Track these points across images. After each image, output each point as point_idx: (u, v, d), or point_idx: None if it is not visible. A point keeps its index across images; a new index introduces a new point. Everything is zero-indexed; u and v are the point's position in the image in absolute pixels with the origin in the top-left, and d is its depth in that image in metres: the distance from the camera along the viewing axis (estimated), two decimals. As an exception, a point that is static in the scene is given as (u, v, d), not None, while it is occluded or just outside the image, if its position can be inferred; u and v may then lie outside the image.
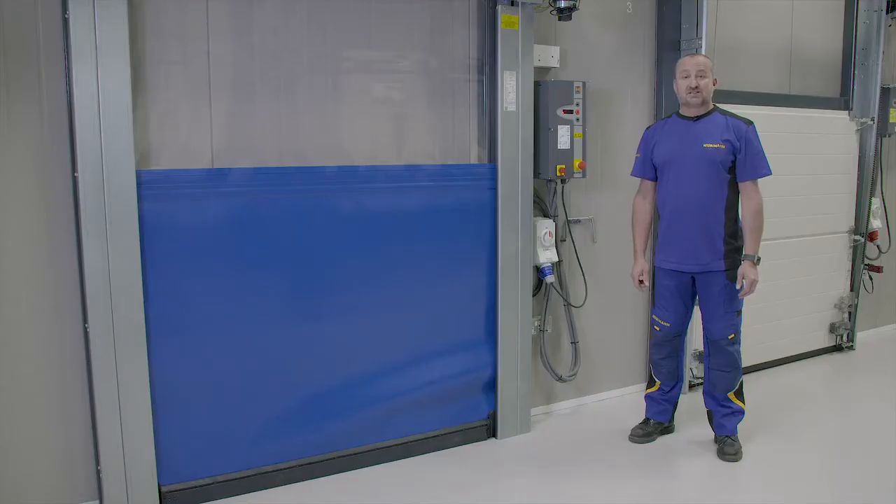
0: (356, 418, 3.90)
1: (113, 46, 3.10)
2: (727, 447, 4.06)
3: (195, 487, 3.52)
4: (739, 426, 4.13)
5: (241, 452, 3.63)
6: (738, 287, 3.89)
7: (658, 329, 4.21)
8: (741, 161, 3.86)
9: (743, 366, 4.11)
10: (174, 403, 3.43)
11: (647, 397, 4.37)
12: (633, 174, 4.20)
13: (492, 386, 4.28)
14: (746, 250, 3.88)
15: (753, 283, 3.86)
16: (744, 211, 3.90)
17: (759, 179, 3.90)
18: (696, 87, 3.87)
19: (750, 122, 3.91)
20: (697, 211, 3.93)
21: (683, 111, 4.01)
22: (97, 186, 3.12)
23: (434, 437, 4.14)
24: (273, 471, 3.70)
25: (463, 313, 4.18)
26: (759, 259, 3.88)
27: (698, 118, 3.95)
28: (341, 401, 3.86)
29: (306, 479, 3.79)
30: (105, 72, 3.09)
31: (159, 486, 3.40)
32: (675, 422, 4.40)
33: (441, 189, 4.02)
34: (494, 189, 4.13)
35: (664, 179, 4.06)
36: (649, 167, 4.11)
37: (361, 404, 3.91)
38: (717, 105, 4.01)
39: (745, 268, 3.86)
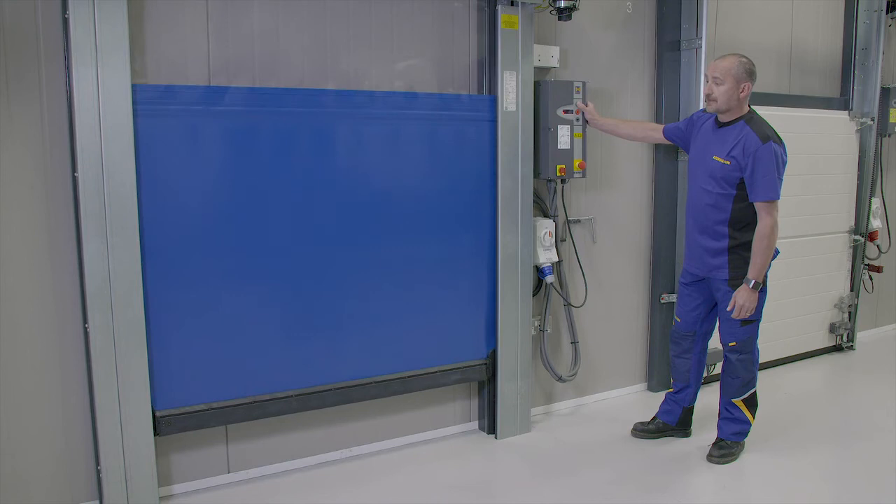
0: (354, 351, 3.86)
1: (113, 46, 3.09)
2: (715, 449, 4.06)
3: (190, 413, 3.47)
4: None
5: (237, 380, 3.58)
6: (728, 309, 3.85)
7: (674, 323, 4.25)
8: (747, 180, 3.72)
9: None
10: (169, 327, 3.38)
11: (666, 394, 4.40)
12: (665, 125, 4.33)
13: (492, 325, 4.23)
14: (748, 273, 3.78)
15: (741, 309, 3.78)
16: (755, 231, 3.78)
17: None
18: (709, 94, 3.79)
19: (767, 140, 3.68)
20: (702, 220, 3.93)
21: (718, 115, 3.90)
22: (97, 186, 3.12)
23: (432, 373, 4.09)
24: (268, 399, 3.65)
25: (463, 245, 4.13)
26: (757, 285, 3.76)
27: (723, 125, 3.86)
28: (339, 332, 3.82)
29: (302, 411, 3.77)
30: (105, 71, 3.09)
31: (153, 410, 3.36)
32: (693, 427, 4.37)
33: (439, 118, 3.96)
34: (494, 121, 4.09)
35: (688, 180, 4.08)
36: (677, 132, 4.18)
37: (359, 337, 3.87)
38: (754, 112, 3.85)
39: (738, 290, 3.80)
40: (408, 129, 3.89)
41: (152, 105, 3.23)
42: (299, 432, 3.90)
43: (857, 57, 5.89)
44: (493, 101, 4.07)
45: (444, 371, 4.12)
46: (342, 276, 3.79)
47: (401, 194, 3.91)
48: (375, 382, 3.93)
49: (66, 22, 3.05)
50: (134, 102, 3.17)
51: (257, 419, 3.69)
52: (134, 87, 3.17)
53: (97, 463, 3.31)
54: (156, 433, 3.38)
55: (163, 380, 3.39)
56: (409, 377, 4.02)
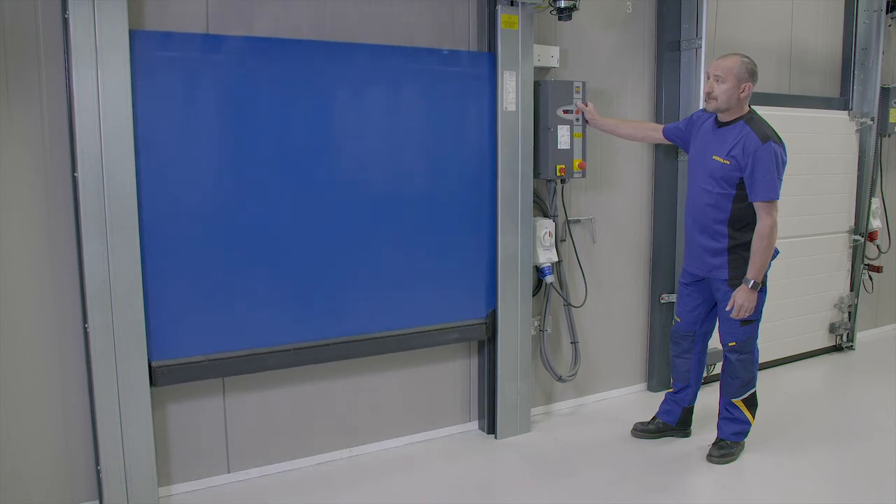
0: (353, 307, 3.84)
1: (113, 46, 3.09)
2: (714, 449, 4.07)
3: (186, 364, 3.44)
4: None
5: (235, 333, 3.55)
6: (727, 309, 3.86)
7: (674, 323, 4.26)
8: (746, 180, 3.72)
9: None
10: (166, 276, 3.35)
11: (666, 394, 4.40)
12: (665, 125, 4.33)
13: (492, 286, 4.21)
14: (747, 273, 3.78)
15: (741, 309, 3.78)
16: (755, 231, 3.78)
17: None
18: (710, 93, 3.79)
19: (767, 140, 3.68)
20: (701, 220, 3.93)
21: (718, 114, 3.91)
22: (97, 186, 3.12)
23: (432, 331, 4.07)
24: (266, 353, 3.63)
25: (464, 203, 4.10)
26: (756, 285, 3.76)
27: (722, 125, 3.86)
28: (338, 289, 3.79)
29: (300, 365, 3.76)
30: (105, 72, 3.09)
31: (149, 361, 3.33)
32: (693, 428, 4.37)
33: (439, 73, 3.95)
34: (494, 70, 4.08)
35: (688, 179, 4.09)
36: (677, 132, 4.19)
37: (358, 293, 3.84)
38: (754, 112, 3.85)
39: (738, 290, 3.80)
40: (407, 84, 3.86)
41: (150, 52, 3.21)
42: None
43: (856, 57, 5.89)
44: (493, 58, 4.06)
45: (443, 329, 4.10)
46: (341, 233, 3.76)
47: (402, 151, 3.88)
48: (374, 338, 3.90)
49: (65, 22, 3.05)
50: (132, 50, 3.15)
51: (255, 372, 3.66)
52: (132, 32, 3.16)
53: (97, 463, 3.31)
54: (152, 384, 3.34)
55: (159, 330, 3.35)
56: (408, 334, 4.00)
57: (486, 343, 4.30)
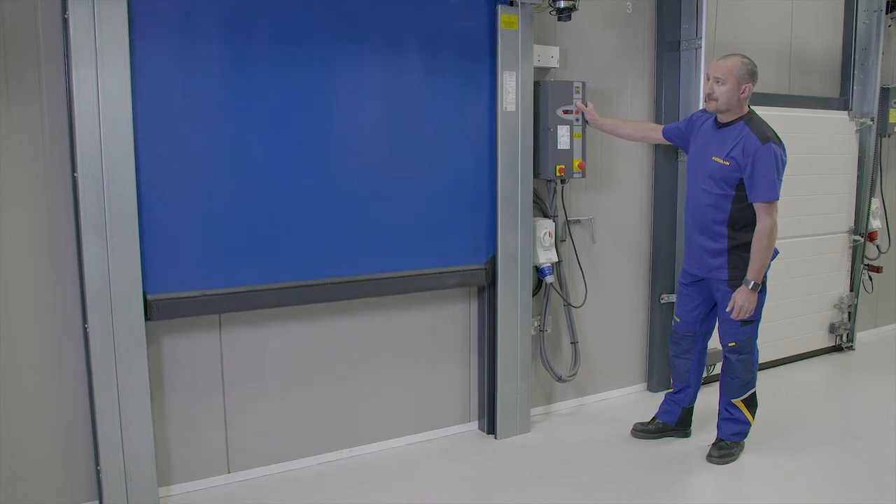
0: (352, 247, 3.80)
1: (113, 47, 3.09)
2: (714, 449, 4.07)
3: (182, 299, 3.40)
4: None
5: (232, 270, 3.51)
6: (727, 310, 3.86)
7: (674, 324, 4.26)
8: (746, 181, 3.72)
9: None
10: (162, 208, 3.31)
11: (665, 395, 4.40)
12: (665, 126, 4.34)
13: (492, 232, 4.18)
14: (747, 273, 3.78)
15: (741, 310, 3.79)
16: (755, 232, 3.78)
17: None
18: (710, 94, 3.79)
19: (767, 140, 3.69)
20: (701, 221, 3.93)
21: (718, 115, 3.90)
22: (97, 187, 3.12)
23: (431, 274, 4.04)
24: (264, 290, 3.58)
25: (464, 144, 4.07)
26: (757, 285, 3.76)
27: (722, 126, 3.86)
28: (337, 228, 3.75)
29: (297, 304, 3.74)
30: (105, 72, 3.09)
31: (144, 294, 3.28)
32: (693, 428, 4.37)
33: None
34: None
35: (687, 180, 4.09)
36: (677, 132, 4.20)
37: (358, 234, 3.81)
38: (754, 113, 3.86)
39: (738, 290, 3.81)
40: (407, 19, 3.84)
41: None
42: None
43: (856, 57, 5.89)
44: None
45: (443, 273, 4.06)
46: (341, 172, 3.73)
47: (402, 91, 3.85)
48: (373, 279, 3.87)
49: (65, 22, 3.05)
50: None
51: (252, 309, 3.63)
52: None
53: (97, 463, 3.31)
54: (147, 318, 3.30)
55: (155, 263, 3.31)
56: (407, 276, 3.97)
57: (487, 289, 4.27)
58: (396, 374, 4.17)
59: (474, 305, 4.36)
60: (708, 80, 3.83)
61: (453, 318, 4.32)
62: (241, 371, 3.72)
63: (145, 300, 3.29)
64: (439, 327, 4.28)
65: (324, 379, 3.95)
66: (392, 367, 4.15)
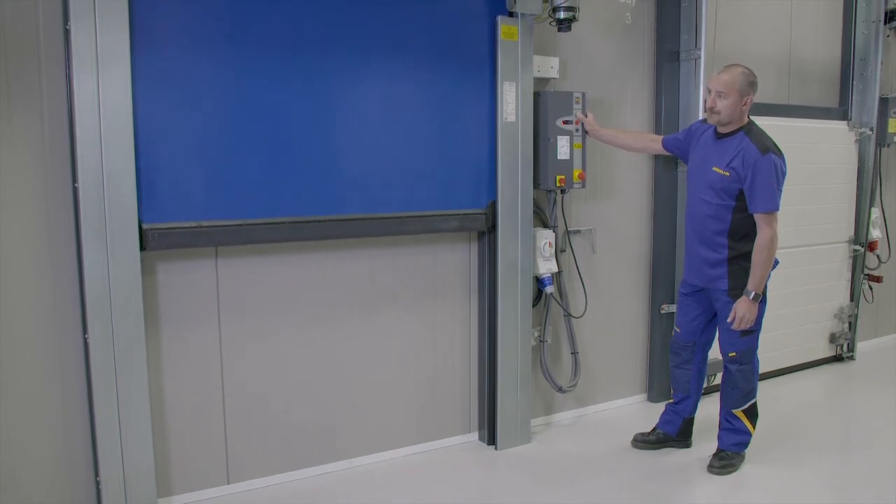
0: (351, 186, 3.78)
1: (114, 57, 3.10)
2: (715, 460, 4.06)
3: (178, 230, 3.36)
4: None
5: (229, 202, 3.48)
6: (728, 320, 3.86)
7: (674, 334, 4.25)
8: (746, 192, 3.72)
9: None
10: (159, 136, 3.28)
11: (666, 405, 4.39)
12: (664, 137, 4.35)
13: (492, 177, 4.16)
14: (747, 284, 3.79)
15: (741, 320, 3.78)
16: (755, 242, 3.78)
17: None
18: (713, 108, 3.80)
19: (767, 151, 3.69)
20: (701, 231, 3.93)
21: (718, 126, 3.90)
22: (97, 196, 3.12)
23: (431, 216, 4.01)
24: (261, 224, 3.55)
25: (465, 90, 4.04)
26: (757, 296, 3.77)
27: (722, 136, 3.87)
28: (336, 166, 3.73)
29: (295, 240, 3.71)
30: (106, 82, 3.09)
31: (140, 223, 3.25)
32: (693, 438, 4.36)
33: None
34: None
35: (687, 190, 4.10)
36: (676, 143, 4.20)
37: (358, 173, 3.79)
38: (753, 123, 3.87)
39: (738, 301, 3.81)
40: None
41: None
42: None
43: (855, 67, 5.91)
44: None
45: (443, 216, 4.04)
46: (340, 111, 3.71)
47: (403, 33, 3.84)
48: (372, 219, 3.85)
49: (67, 32, 3.06)
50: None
51: (248, 243, 3.59)
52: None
53: (96, 474, 3.30)
54: (142, 247, 3.27)
55: (151, 192, 3.28)
56: (407, 217, 3.94)
57: (487, 233, 4.24)
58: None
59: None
60: (709, 93, 3.84)
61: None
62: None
63: (140, 229, 3.26)
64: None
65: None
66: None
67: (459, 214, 4.10)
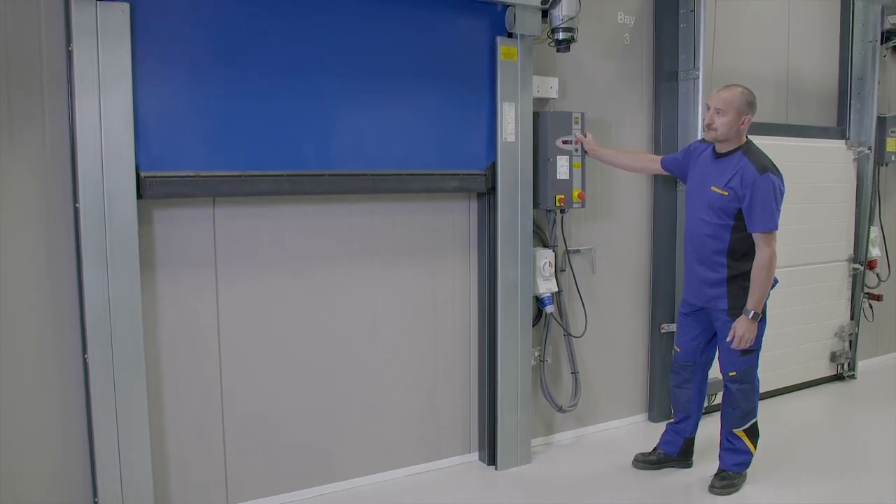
0: (351, 141, 3.76)
1: (115, 78, 3.12)
2: (716, 480, 4.04)
3: (176, 178, 3.33)
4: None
5: (227, 153, 3.45)
6: (728, 339, 3.86)
7: (674, 353, 4.25)
8: (745, 211, 3.73)
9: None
10: (157, 86, 3.26)
11: (667, 425, 4.38)
12: (663, 157, 4.35)
13: (491, 139, 4.14)
14: (747, 303, 3.79)
15: (741, 340, 3.79)
16: (754, 261, 3.79)
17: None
18: (710, 125, 3.82)
19: (765, 171, 3.71)
20: (701, 250, 3.93)
21: (716, 145, 3.93)
22: (98, 217, 3.13)
23: (431, 175, 3.99)
24: (259, 176, 3.52)
25: (465, 48, 4.04)
26: (757, 315, 3.77)
27: (721, 156, 3.88)
28: (336, 122, 3.72)
29: (294, 193, 3.69)
30: (107, 103, 3.11)
31: (137, 169, 3.21)
32: (694, 458, 4.34)
33: None
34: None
35: (686, 210, 4.10)
36: (675, 163, 4.21)
37: (358, 129, 3.77)
38: (752, 143, 3.88)
39: (738, 320, 3.81)
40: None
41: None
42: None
43: (852, 87, 5.95)
44: None
45: (443, 175, 4.02)
46: (341, 68, 3.70)
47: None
48: (371, 175, 3.82)
49: (69, 54, 3.09)
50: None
51: (247, 195, 3.57)
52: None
53: (94, 494, 3.29)
54: (139, 196, 3.23)
55: (149, 140, 3.25)
56: (406, 175, 3.92)
57: (487, 194, 4.22)
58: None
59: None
60: (708, 109, 3.86)
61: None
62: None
63: (138, 177, 3.23)
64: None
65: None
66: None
67: (460, 175, 4.08)
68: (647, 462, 4.31)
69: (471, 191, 4.19)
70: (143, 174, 3.24)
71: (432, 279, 4.21)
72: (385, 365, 4.10)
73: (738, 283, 3.85)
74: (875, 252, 6.15)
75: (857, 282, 6.07)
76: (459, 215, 4.28)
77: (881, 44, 5.86)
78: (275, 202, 3.73)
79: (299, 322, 3.83)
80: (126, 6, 3.12)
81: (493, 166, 4.16)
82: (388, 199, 4.04)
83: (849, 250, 6.01)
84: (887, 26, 5.88)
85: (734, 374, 3.94)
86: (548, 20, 4.16)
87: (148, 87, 3.24)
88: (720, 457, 4.10)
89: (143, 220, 3.36)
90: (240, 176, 3.49)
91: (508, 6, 4.04)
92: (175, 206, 3.48)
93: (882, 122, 5.97)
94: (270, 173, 3.56)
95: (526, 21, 4.06)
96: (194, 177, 3.38)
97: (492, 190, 4.18)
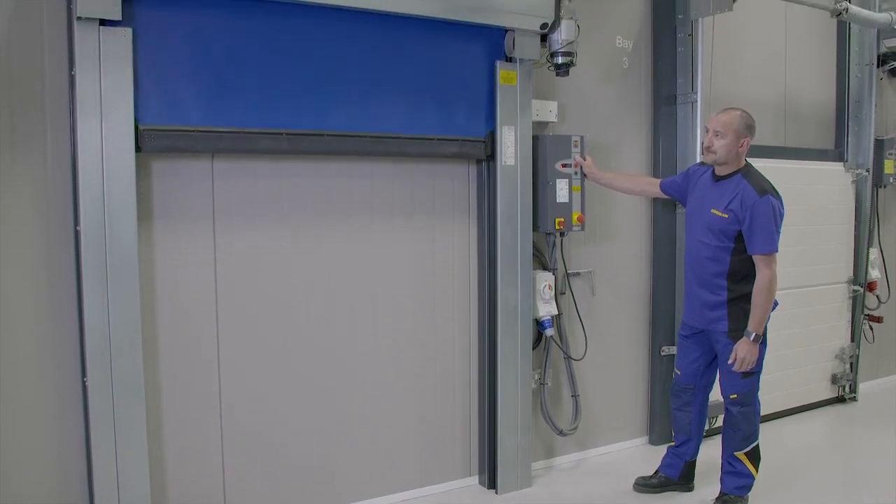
0: (352, 103, 3.76)
1: (117, 103, 3.14)
2: (718, 503, 4.02)
3: (175, 131, 3.32)
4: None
5: (227, 109, 3.45)
6: (729, 362, 3.85)
7: (674, 376, 4.24)
8: (745, 233, 3.75)
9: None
10: (159, 38, 3.26)
11: (668, 448, 4.36)
12: (662, 180, 4.37)
13: (491, 108, 4.13)
14: (748, 325, 3.79)
15: (742, 362, 3.79)
16: (755, 284, 3.79)
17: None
18: (709, 147, 3.85)
19: (764, 193, 3.73)
20: (701, 273, 3.94)
21: (715, 168, 3.95)
22: (99, 241, 3.14)
23: (430, 140, 3.98)
24: (259, 133, 3.52)
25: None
26: (758, 337, 3.78)
27: (720, 179, 3.90)
28: (337, 82, 3.72)
29: (293, 153, 3.68)
30: (109, 128, 3.13)
31: (136, 122, 3.21)
32: (695, 481, 4.31)
33: None
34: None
35: (686, 232, 4.11)
36: (674, 186, 4.22)
37: (359, 91, 3.78)
38: (751, 166, 3.90)
39: (739, 343, 3.81)
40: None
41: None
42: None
43: (850, 109, 5.98)
44: None
45: (442, 140, 4.01)
46: (341, 32, 3.71)
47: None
48: (371, 137, 3.81)
49: (72, 79, 3.11)
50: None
51: (246, 152, 3.57)
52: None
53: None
54: (138, 149, 3.22)
55: (148, 93, 3.25)
56: (406, 138, 3.92)
57: (485, 161, 4.20)
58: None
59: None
60: (707, 132, 3.88)
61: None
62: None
63: (136, 129, 3.22)
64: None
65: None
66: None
67: (459, 140, 4.07)
68: (649, 485, 4.29)
69: (470, 157, 4.19)
70: (142, 127, 3.25)
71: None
72: (385, 387, 4.09)
73: (739, 305, 3.85)
74: (875, 274, 6.15)
75: (857, 304, 6.06)
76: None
77: (877, 67, 5.90)
78: (276, 160, 3.73)
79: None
80: (128, 31, 3.14)
81: (492, 135, 4.15)
82: (388, 162, 4.04)
83: (848, 272, 6.01)
84: (883, 50, 5.93)
85: (735, 396, 3.93)
86: (547, 44, 4.20)
87: (147, 38, 3.23)
88: (721, 480, 4.08)
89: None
90: (239, 132, 3.49)
91: (508, 31, 4.07)
92: (174, 159, 3.47)
93: (880, 144, 6.00)
94: (270, 131, 3.56)
95: (525, 45, 4.10)
96: (193, 131, 3.39)
97: (491, 157, 4.18)
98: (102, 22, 3.08)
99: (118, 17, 3.09)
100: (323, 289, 3.88)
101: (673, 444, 4.31)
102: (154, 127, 3.28)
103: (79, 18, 3.03)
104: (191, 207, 3.54)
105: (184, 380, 3.54)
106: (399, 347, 4.11)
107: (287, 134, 3.60)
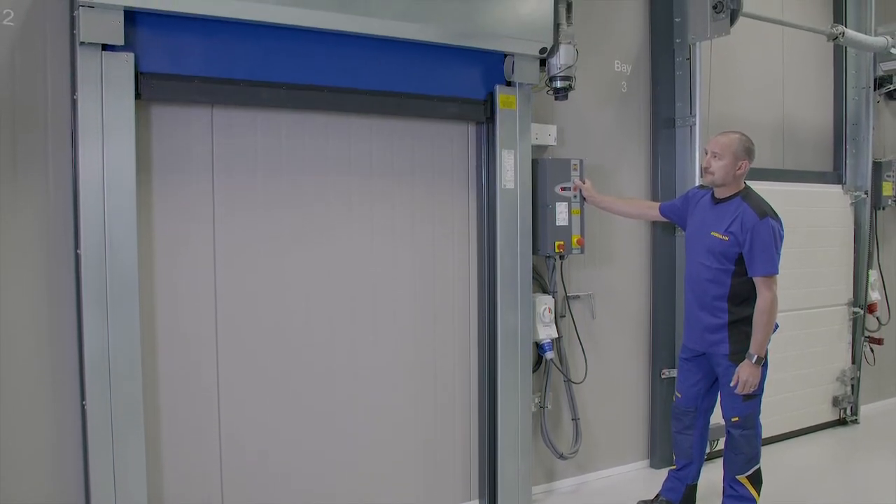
0: (353, 59, 3.74)
1: (119, 127, 3.15)
2: None
3: (176, 79, 3.32)
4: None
5: (228, 60, 3.43)
6: (731, 385, 3.85)
7: (675, 399, 4.23)
8: (746, 256, 3.76)
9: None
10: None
11: (669, 472, 4.34)
12: (662, 203, 4.39)
13: (490, 78, 4.13)
14: (749, 348, 3.79)
15: (745, 385, 3.78)
16: (756, 306, 3.80)
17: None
18: (707, 168, 3.87)
19: (764, 215, 3.75)
20: (701, 295, 3.94)
21: (715, 190, 3.97)
22: (99, 264, 3.14)
23: (430, 99, 3.97)
24: (260, 84, 3.51)
25: None
26: (760, 359, 3.77)
27: (720, 201, 3.92)
28: (338, 44, 3.69)
29: (294, 107, 3.66)
30: (111, 152, 3.14)
31: (136, 68, 3.18)
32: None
33: None
34: None
35: (686, 255, 4.12)
36: (674, 209, 4.24)
37: (359, 50, 3.74)
38: (750, 189, 3.92)
39: (741, 365, 3.81)
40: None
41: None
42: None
43: (848, 132, 6.01)
44: None
45: (442, 100, 4.01)
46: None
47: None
48: (372, 93, 3.81)
49: (74, 103, 3.13)
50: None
51: (246, 105, 3.56)
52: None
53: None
54: (138, 96, 3.20)
55: (149, 40, 3.22)
56: (407, 96, 3.91)
57: (485, 123, 4.18)
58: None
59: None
60: (706, 154, 3.90)
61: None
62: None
63: (136, 75, 3.20)
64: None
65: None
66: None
67: (459, 101, 4.07)
68: (648, 509, 4.27)
69: (469, 120, 4.19)
70: (142, 74, 3.24)
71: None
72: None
73: (739, 327, 3.85)
74: (875, 296, 6.16)
75: (857, 325, 6.06)
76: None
77: (874, 90, 5.94)
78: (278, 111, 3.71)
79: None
80: (130, 56, 3.17)
81: (491, 98, 4.14)
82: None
83: (848, 294, 6.01)
84: (880, 73, 5.96)
85: (737, 419, 3.92)
86: (546, 69, 4.23)
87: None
88: (723, 504, 4.06)
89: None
90: (240, 83, 3.49)
91: (507, 55, 4.10)
92: (173, 105, 3.46)
93: (878, 166, 6.02)
94: (271, 83, 3.56)
95: (524, 70, 4.12)
96: (194, 79, 3.38)
97: (490, 118, 4.16)
98: (104, 47, 3.10)
99: (121, 41, 3.11)
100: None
101: (674, 467, 4.29)
102: (155, 74, 3.27)
103: (82, 44, 3.05)
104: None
105: (183, 403, 3.53)
106: (399, 369, 4.10)
107: (287, 87, 3.59)
